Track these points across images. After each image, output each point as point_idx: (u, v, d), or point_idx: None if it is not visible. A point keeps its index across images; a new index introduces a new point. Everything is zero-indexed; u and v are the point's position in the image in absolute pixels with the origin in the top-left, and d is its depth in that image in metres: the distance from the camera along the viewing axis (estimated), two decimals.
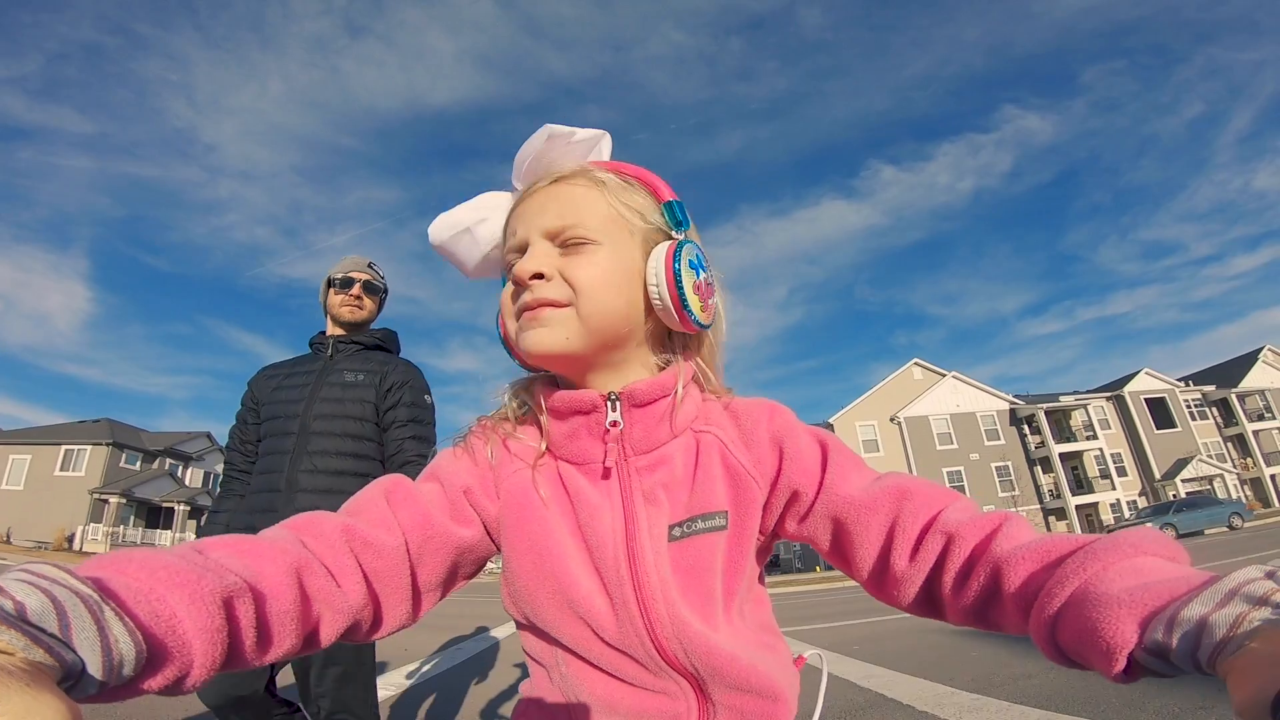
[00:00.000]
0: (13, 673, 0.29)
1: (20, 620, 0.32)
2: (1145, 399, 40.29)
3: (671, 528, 0.67)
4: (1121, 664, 0.41)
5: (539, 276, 0.67)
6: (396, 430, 2.10)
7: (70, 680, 0.33)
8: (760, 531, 0.71)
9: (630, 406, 0.69)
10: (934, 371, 40.19)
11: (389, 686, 4.83)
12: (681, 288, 0.68)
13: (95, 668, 0.35)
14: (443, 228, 0.77)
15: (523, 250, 0.70)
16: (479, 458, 0.72)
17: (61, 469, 34.14)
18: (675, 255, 0.69)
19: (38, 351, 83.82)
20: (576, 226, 0.68)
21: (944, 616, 0.63)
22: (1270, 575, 0.37)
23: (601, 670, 0.66)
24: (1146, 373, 41.41)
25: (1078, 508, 36.02)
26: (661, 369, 0.74)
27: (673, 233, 0.74)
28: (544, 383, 0.75)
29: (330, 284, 2.28)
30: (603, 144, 0.76)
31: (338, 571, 0.58)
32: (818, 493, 0.69)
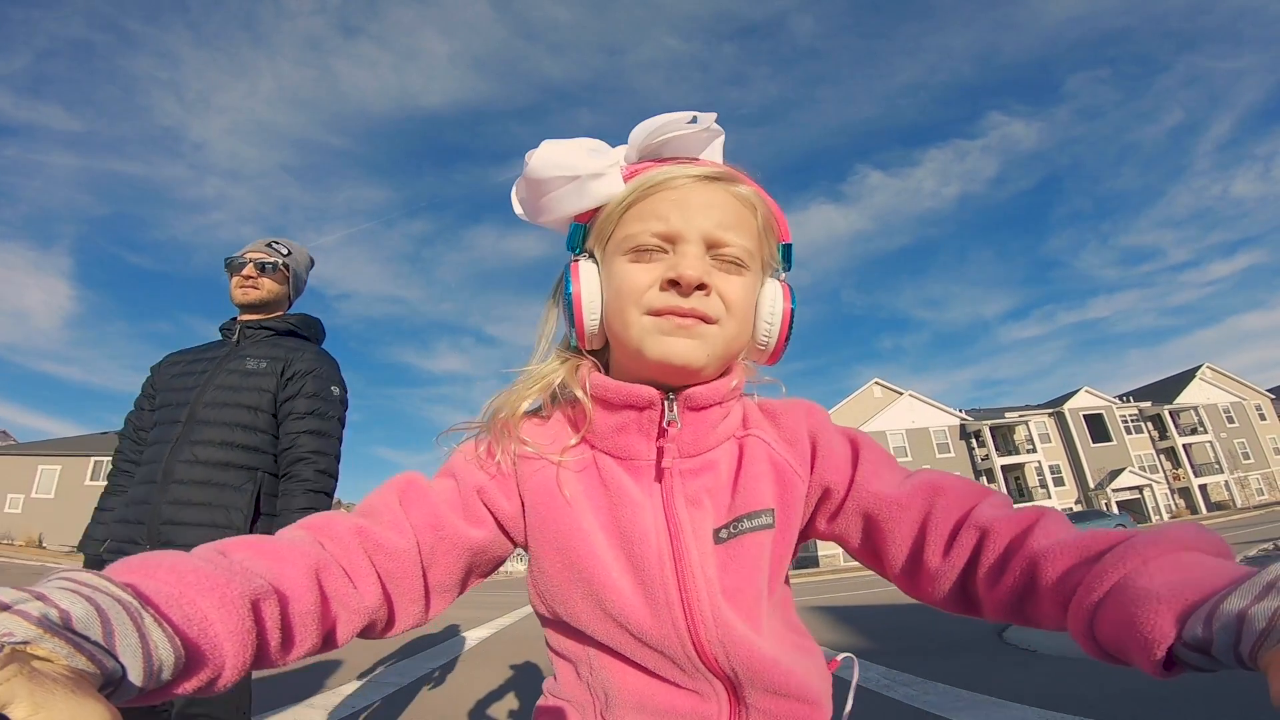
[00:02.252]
0: (56, 679, 0.30)
1: (65, 628, 0.33)
2: (1084, 415, 43.79)
3: (717, 531, 0.67)
4: (1161, 658, 0.41)
5: (702, 287, 0.65)
6: (292, 422, 1.94)
7: (110, 686, 0.35)
8: (799, 530, 0.70)
9: (686, 409, 0.68)
10: (892, 390, 43.72)
11: (343, 696, 4.49)
12: (791, 331, 0.71)
13: (136, 673, 0.36)
14: (550, 164, 0.69)
15: (673, 241, 0.66)
16: (496, 454, 0.70)
17: (91, 479, 37.20)
18: (792, 299, 0.72)
19: (15, 349, 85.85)
20: (736, 244, 0.67)
21: (979, 612, 0.63)
22: None
23: (635, 667, 0.65)
24: (1086, 390, 44.93)
25: None
26: (717, 376, 0.72)
27: (781, 271, 0.75)
28: (593, 367, 0.72)
29: (227, 268, 2.12)
30: (718, 143, 0.72)
31: (354, 573, 0.58)
32: (849, 489, 0.69)
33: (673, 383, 0.69)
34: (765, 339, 0.72)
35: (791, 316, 0.71)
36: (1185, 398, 45.98)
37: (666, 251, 0.67)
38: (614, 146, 0.73)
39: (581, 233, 0.73)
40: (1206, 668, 0.40)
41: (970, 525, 0.62)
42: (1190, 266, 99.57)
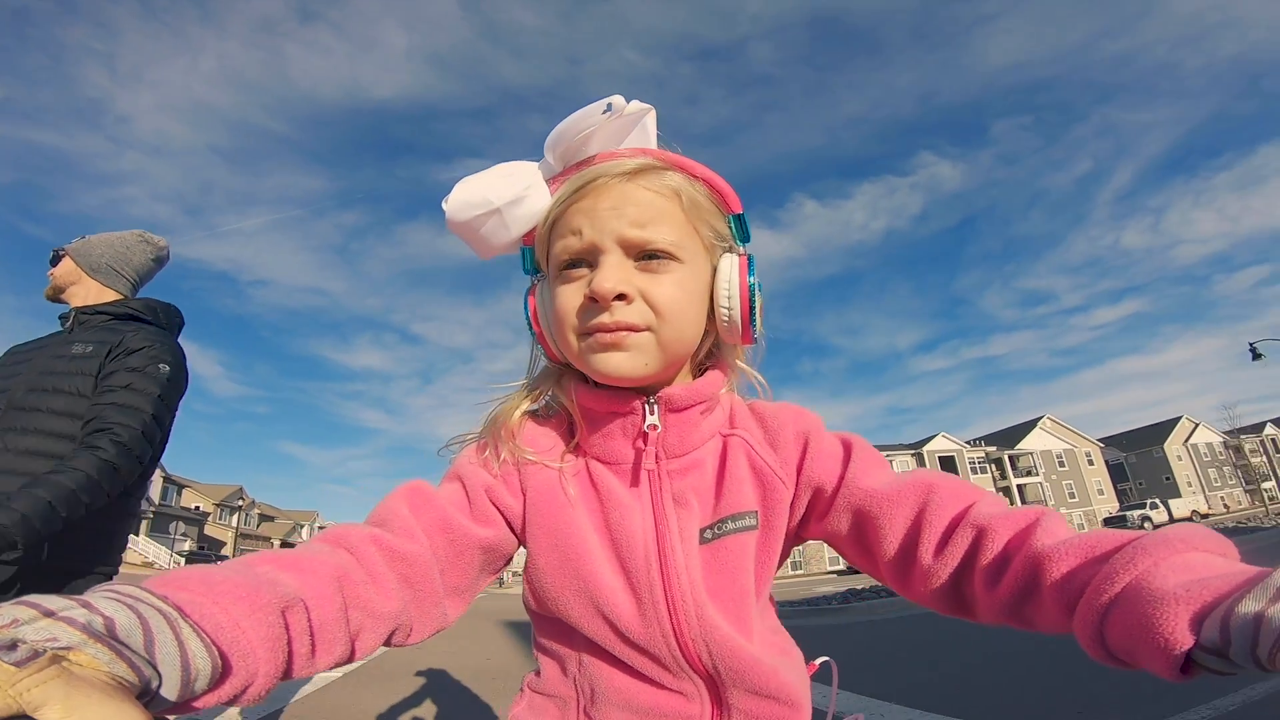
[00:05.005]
0: (95, 685, 0.30)
1: (109, 636, 0.34)
2: (939, 456, 51.30)
3: (703, 531, 0.67)
4: (1179, 661, 0.39)
5: (621, 298, 0.63)
6: (103, 394, 1.70)
7: (148, 695, 0.35)
8: (785, 533, 0.70)
9: (666, 411, 0.69)
10: None
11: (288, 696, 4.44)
12: (754, 305, 0.69)
13: (174, 682, 0.36)
14: (465, 205, 0.69)
15: (589, 255, 0.66)
16: (499, 455, 0.71)
17: None
18: (750, 271, 0.69)
19: None
20: (658, 243, 0.65)
21: (972, 613, 0.61)
22: None
23: (623, 666, 0.66)
24: (943, 435, 52.70)
25: None
26: (698, 373, 0.73)
27: (737, 246, 0.72)
28: (575, 378, 0.73)
29: None
30: (648, 121, 0.70)
31: (375, 581, 0.58)
32: (839, 486, 0.69)
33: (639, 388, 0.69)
34: (727, 320, 0.69)
35: (752, 290, 0.69)
36: (1026, 444, 54.37)
37: (592, 266, 0.66)
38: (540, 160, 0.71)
39: (531, 254, 0.73)
40: (1222, 670, 0.39)
41: (967, 523, 0.60)
42: (1079, 311, 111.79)
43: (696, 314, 0.69)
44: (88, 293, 1.96)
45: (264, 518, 66.22)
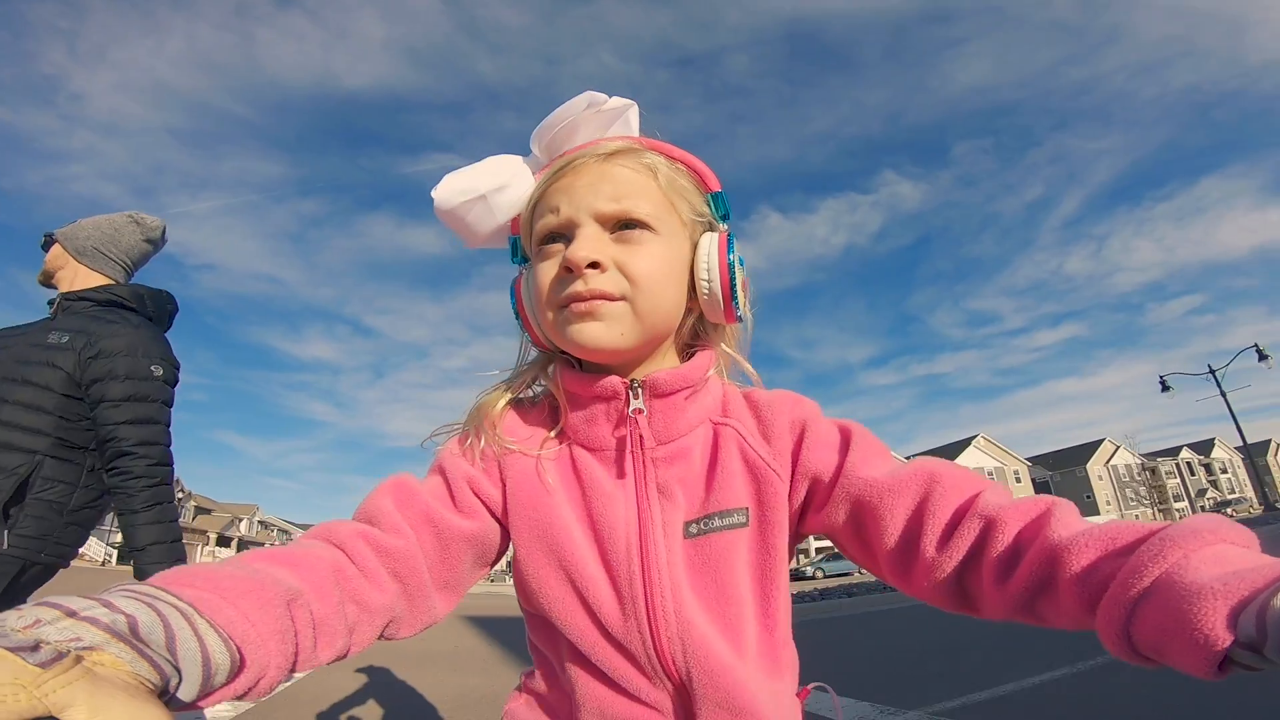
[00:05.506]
0: (118, 684, 0.31)
1: (131, 635, 0.34)
2: None
3: (688, 524, 0.66)
4: (1219, 659, 0.37)
5: (594, 266, 0.63)
6: (107, 411, 1.69)
7: (168, 694, 0.35)
8: (785, 529, 0.67)
9: (652, 395, 0.67)
10: None
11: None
12: (734, 281, 0.68)
13: (194, 679, 0.37)
14: (453, 192, 0.71)
15: (567, 230, 0.66)
16: (480, 445, 0.70)
17: None
18: (729, 248, 0.69)
19: None
20: (634, 212, 0.65)
21: (976, 609, 0.59)
22: None
23: (598, 671, 0.64)
24: None
25: (800, 551, 48.03)
26: (686, 357, 0.73)
27: (717, 224, 0.72)
28: (562, 363, 0.72)
29: None
30: (630, 115, 0.72)
31: (368, 576, 0.58)
32: (838, 476, 0.66)
33: (602, 364, 0.69)
34: (708, 295, 0.69)
35: (731, 265, 0.68)
36: (960, 461, 55.71)
37: (570, 241, 0.66)
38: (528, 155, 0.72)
39: (519, 242, 0.74)
40: (1255, 666, 0.36)
41: (973, 514, 0.57)
42: (1022, 333, 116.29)
43: (675, 288, 0.69)
44: (74, 277, 1.93)
45: (200, 510, 63.73)
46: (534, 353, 0.77)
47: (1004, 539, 0.55)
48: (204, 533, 58.80)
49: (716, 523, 0.66)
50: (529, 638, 0.73)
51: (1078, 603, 0.48)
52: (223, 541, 61.85)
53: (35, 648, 0.30)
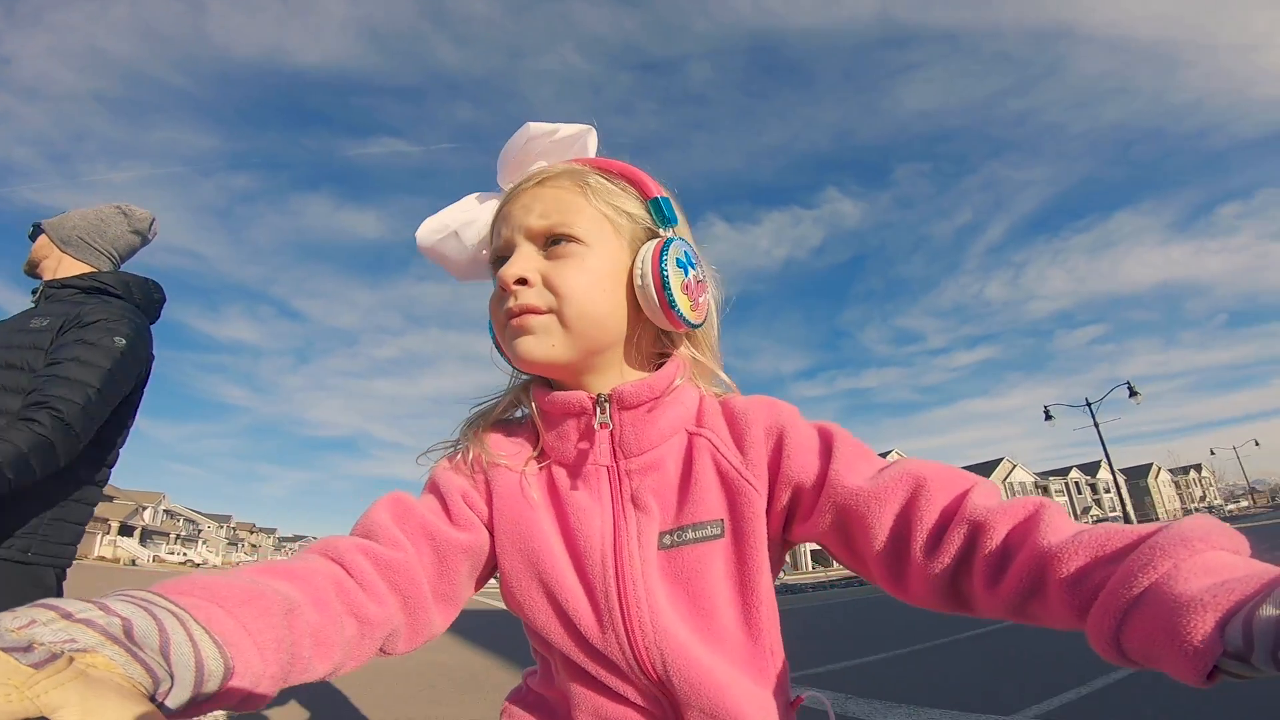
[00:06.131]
0: (111, 687, 0.31)
1: (126, 638, 0.34)
2: None
3: (662, 535, 0.66)
4: (1208, 669, 0.38)
5: (522, 282, 0.67)
6: (48, 368, 1.61)
7: (161, 698, 0.35)
8: (769, 537, 0.67)
9: (619, 408, 0.68)
10: None
11: None
12: (668, 286, 0.67)
13: (186, 684, 0.37)
14: (430, 231, 0.77)
15: (507, 253, 0.70)
16: (469, 462, 0.72)
17: None
18: (661, 253, 0.68)
19: None
20: (561, 227, 0.68)
21: (971, 610, 0.59)
22: None
23: (586, 675, 0.66)
24: None
25: None
26: (657, 367, 0.73)
27: (660, 230, 0.73)
28: (539, 384, 0.74)
29: None
30: (588, 139, 0.75)
31: (367, 590, 0.58)
32: (822, 485, 0.65)
33: (560, 379, 0.72)
34: (644, 302, 0.69)
35: (663, 270, 0.67)
36: None
37: None
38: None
39: None
40: (1243, 674, 0.37)
41: (961, 518, 0.57)
42: (942, 353, 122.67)
43: (608, 297, 0.69)
44: (58, 266, 1.91)
45: (102, 496, 60.36)
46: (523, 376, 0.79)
47: (992, 543, 0.55)
48: (105, 521, 55.38)
49: (690, 535, 0.66)
50: (530, 640, 0.74)
51: (1068, 609, 0.48)
52: (125, 530, 58.27)
53: (29, 648, 0.30)
